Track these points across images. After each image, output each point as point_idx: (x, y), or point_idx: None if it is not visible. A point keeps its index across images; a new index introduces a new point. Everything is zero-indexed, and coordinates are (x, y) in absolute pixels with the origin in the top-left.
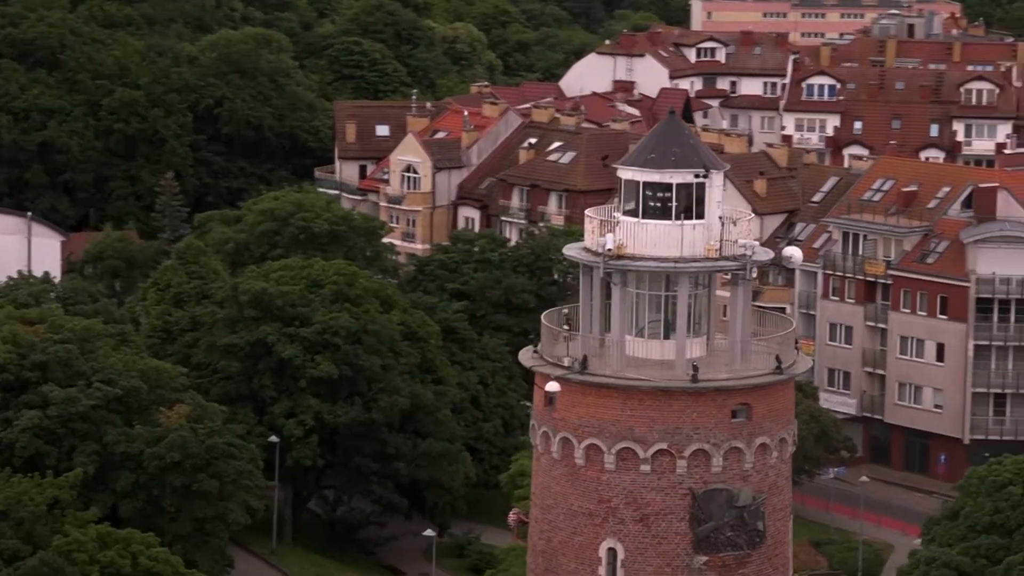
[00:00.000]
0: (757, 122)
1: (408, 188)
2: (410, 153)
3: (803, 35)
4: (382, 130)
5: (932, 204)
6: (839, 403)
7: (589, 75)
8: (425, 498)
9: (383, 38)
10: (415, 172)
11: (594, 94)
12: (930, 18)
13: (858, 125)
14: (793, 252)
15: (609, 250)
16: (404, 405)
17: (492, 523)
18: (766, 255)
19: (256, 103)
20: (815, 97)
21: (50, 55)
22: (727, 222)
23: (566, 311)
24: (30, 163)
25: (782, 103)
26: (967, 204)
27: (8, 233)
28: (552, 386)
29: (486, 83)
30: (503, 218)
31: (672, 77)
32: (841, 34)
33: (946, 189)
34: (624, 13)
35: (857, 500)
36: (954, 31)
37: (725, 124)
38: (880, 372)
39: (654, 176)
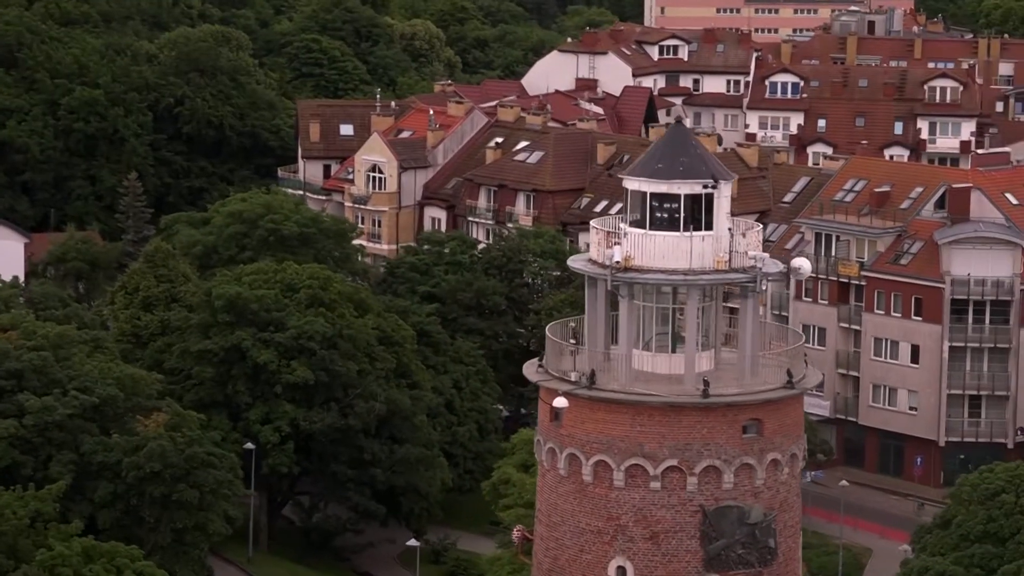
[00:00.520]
0: (720, 120)
1: (373, 188)
2: (375, 153)
3: (756, 31)
4: (346, 129)
5: (905, 204)
6: (813, 405)
7: (552, 73)
8: (401, 504)
9: (342, 35)
10: (380, 172)
11: (557, 92)
12: (890, 15)
13: (822, 123)
14: (802, 263)
15: (617, 263)
16: (381, 411)
17: (468, 529)
18: (776, 267)
19: (217, 102)
20: (779, 95)
21: (7, 53)
22: (736, 233)
23: (572, 324)
24: None
25: (745, 101)
26: (940, 204)
27: None
28: (560, 401)
29: (449, 81)
30: (470, 218)
31: (635, 75)
32: (795, 30)
33: (919, 189)
34: (577, 9)
35: (834, 503)
36: (914, 28)
37: (688, 122)
38: (854, 374)
39: (662, 187)
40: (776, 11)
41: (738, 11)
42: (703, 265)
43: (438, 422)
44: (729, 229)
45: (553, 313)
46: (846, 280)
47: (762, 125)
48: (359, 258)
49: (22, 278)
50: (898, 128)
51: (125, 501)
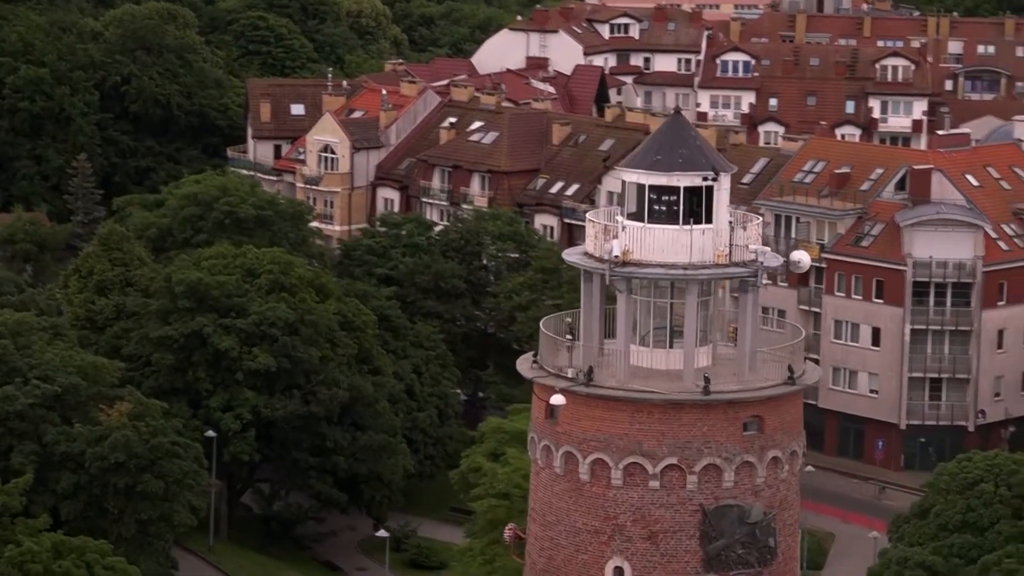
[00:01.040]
0: (672, 99)
1: (325, 169)
2: (327, 133)
3: (704, 7)
4: (297, 109)
5: (865, 186)
6: None
7: (502, 52)
8: (362, 492)
9: (288, 13)
10: (333, 152)
11: (508, 71)
12: None
13: (774, 102)
14: (801, 256)
15: (616, 257)
16: (344, 398)
17: (428, 515)
18: (776, 260)
19: (164, 80)
20: (730, 74)
21: None
22: (736, 226)
23: (568, 319)
24: None
25: (697, 80)
26: (900, 186)
27: None
28: (557, 399)
29: (400, 61)
30: (424, 199)
31: (586, 54)
32: (736, 6)
33: (879, 171)
34: None
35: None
36: (864, 6)
37: (639, 101)
38: (814, 356)
39: (661, 179)
40: None
41: None
42: (703, 259)
43: (398, 408)
44: (730, 222)
45: (512, 296)
46: None
47: (713, 104)
48: (316, 241)
49: None
50: (850, 107)
51: (88, 492)
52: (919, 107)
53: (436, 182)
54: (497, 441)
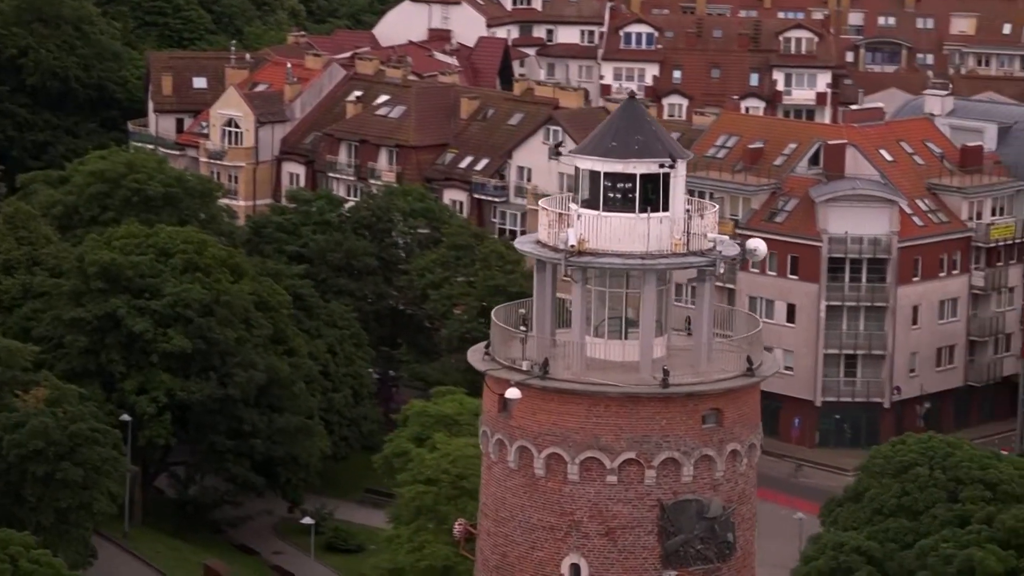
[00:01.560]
0: (575, 71)
1: (229, 143)
2: (231, 106)
3: None
4: (199, 82)
5: (778, 161)
6: None
7: (403, 23)
8: (278, 474)
9: None
10: (237, 126)
11: (411, 43)
12: None
13: (677, 74)
14: (757, 245)
15: (572, 246)
16: (261, 380)
17: (344, 497)
18: (734, 249)
19: (61, 53)
20: (633, 46)
21: None
22: (694, 214)
23: (523, 310)
24: None
25: (600, 52)
26: (814, 161)
27: None
28: (513, 392)
29: (303, 33)
30: (331, 174)
31: (489, 25)
32: None
33: (792, 146)
34: None
35: None
36: None
37: (543, 74)
38: (727, 333)
39: (616, 166)
40: None
41: None
42: (660, 248)
43: (313, 388)
44: (687, 210)
45: (425, 273)
46: None
47: (617, 76)
48: (226, 218)
49: None
50: (754, 79)
51: (5, 480)
52: (823, 79)
53: (343, 157)
54: (421, 425)
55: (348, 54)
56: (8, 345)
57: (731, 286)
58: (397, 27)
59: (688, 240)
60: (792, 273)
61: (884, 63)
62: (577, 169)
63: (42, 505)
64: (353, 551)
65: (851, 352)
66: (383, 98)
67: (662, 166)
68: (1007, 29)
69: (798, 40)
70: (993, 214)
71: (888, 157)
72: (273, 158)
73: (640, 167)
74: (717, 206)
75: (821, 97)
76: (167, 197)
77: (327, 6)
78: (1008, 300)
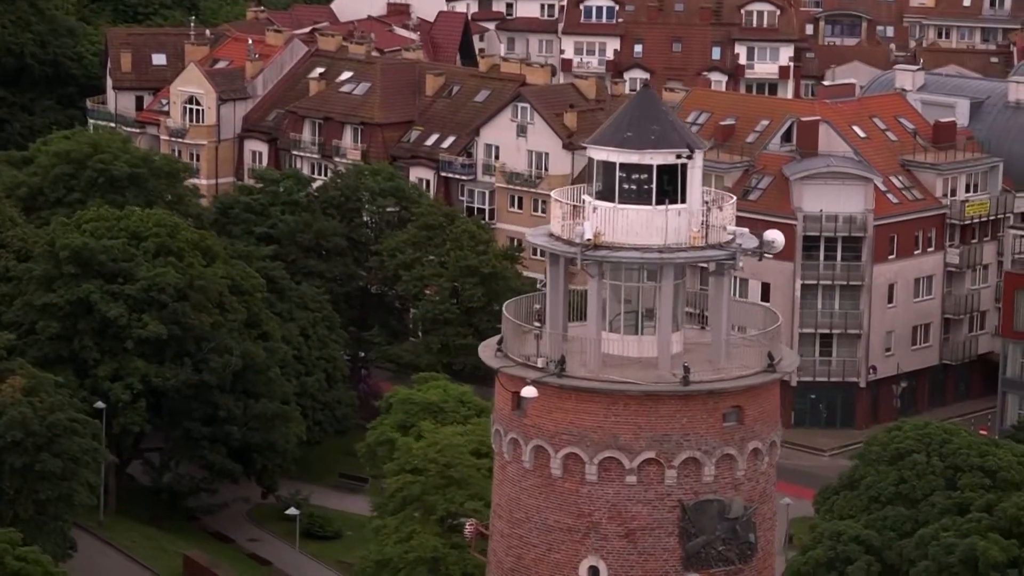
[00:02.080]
0: (535, 45)
1: (191, 121)
2: (192, 83)
3: None
4: (158, 59)
5: (751, 138)
6: None
7: None
8: (254, 461)
9: None
10: (198, 104)
11: (369, 18)
12: None
13: (638, 48)
14: (775, 236)
15: (588, 240)
16: (237, 365)
17: (318, 482)
18: (752, 241)
19: (16, 29)
20: (594, 19)
21: None
22: (712, 206)
23: (537, 305)
24: None
25: (560, 26)
26: (787, 138)
27: None
28: (529, 391)
29: (261, 7)
30: (294, 152)
31: (448, 0)
32: None
33: (764, 122)
34: None
35: None
36: None
37: (502, 48)
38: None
39: (632, 157)
40: None
41: None
42: (678, 241)
43: (287, 372)
44: (705, 202)
45: (396, 254)
46: None
47: (578, 51)
48: (193, 199)
49: None
50: (716, 53)
51: None
52: (785, 53)
53: (307, 135)
54: (405, 412)
55: (307, 29)
56: None
57: (703, 265)
58: (355, 1)
59: (706, 233)
60: None
61: (844, 35)
62: (590, 160)
63: (20, 497)
64: (331, 538)
65: (826, 331)
66: (346, 75)
67: (679, 156)
68: (967, 1)
69: (759, 13)
70: (967, 191)
71: (861, 134)
72: (235, 136)
73: (657, 158)
74: (735, 197)
75: (784, 71)
76: (133, 178)
77: None
78: (983, 277)
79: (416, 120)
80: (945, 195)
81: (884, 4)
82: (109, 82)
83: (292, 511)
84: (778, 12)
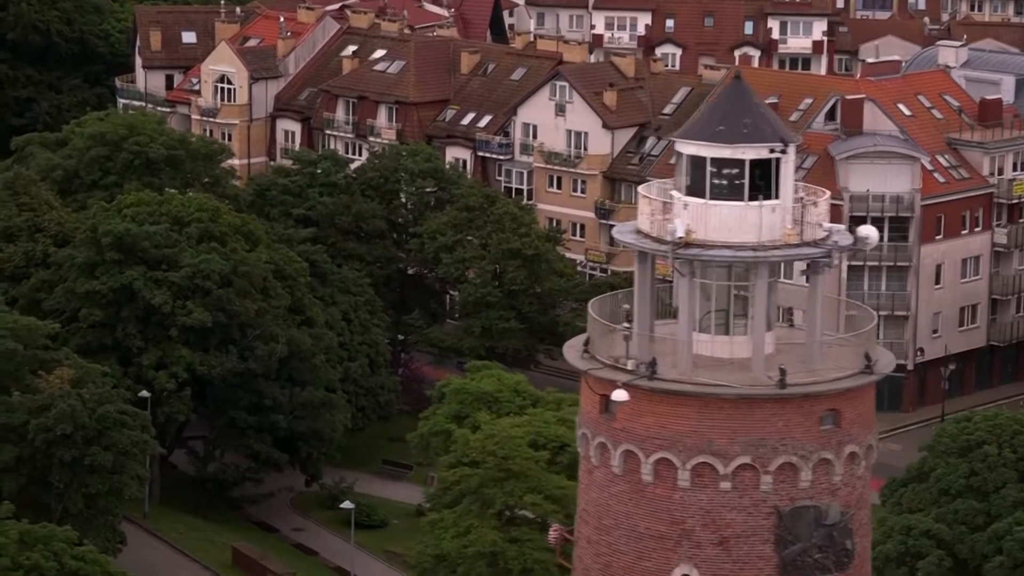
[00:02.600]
0: (565, 21)
1: (222, 100)
2: (224, 62)
3: None
4: (188, 37)
5: (794, 117)
6: None
7: None
8: (299, 449)
9: None
10: (230, 83)
11: None
12: None
13: (670, 23)
14: (869, 232)
15: (680, 238)
16: (283, 353)
17: (361, 469)
18: (848, 239)
19: (43, 6)
20: None
21: None
22: (807, 203)
23: (627, 305)
24: None
25: (591, 1)
26: (831, 116)
27: None
28: (620, 395)
29: None
30: (327, 131)
31: None
32: None
33: (808, 101)
34: None
35: None
36: None
37: (532, 24)
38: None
39: (724, 151)
40: None
41: None
42: (772, 238)
43: (330, 358)
44: (801, 197)
45: (436, 236)
46: None
47: (608, 26)
48: (231, 181)
49: None
50: (748, 28)
51: (31, 465)
52: (819, 27)
53: (340, 114)
54: (460, 403)
55: (337, 5)
56: (28, 324)
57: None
58: None
59: (802, 230)
60: None
61: (876, 8)
62: (679, 154)
63: (70, 491)
64: (377, 527)
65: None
66: (380, 53)
67: (773, 151)
68: None
69: None
70: (1015, 169)
71: (906, 112)
72: (267, 115)
73: (749, 152)
74: (829, 192)
75: (817, 45)
76: (169, 160)
77: None
78: None
79: (452, 99)
80: (992, 174)
81: None
82: (138, 61)
83: (347, 505)
84: None
